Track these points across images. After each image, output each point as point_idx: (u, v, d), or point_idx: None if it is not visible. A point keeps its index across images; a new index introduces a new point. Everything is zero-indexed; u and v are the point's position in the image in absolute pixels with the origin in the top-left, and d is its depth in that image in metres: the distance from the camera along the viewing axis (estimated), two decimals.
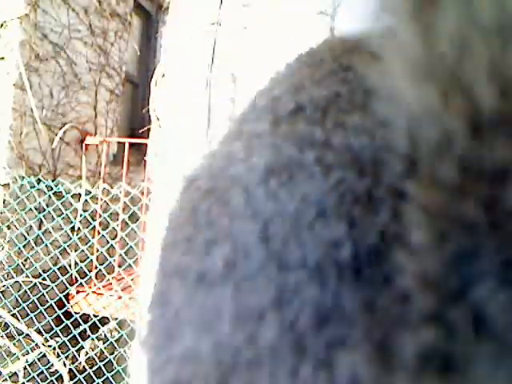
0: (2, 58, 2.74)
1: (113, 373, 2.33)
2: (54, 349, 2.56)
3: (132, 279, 2.42)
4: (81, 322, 2.54)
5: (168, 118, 1.63)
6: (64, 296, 2.61)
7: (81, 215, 2.69)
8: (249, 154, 0.18)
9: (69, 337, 2.52)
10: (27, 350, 2.59)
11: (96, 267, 2.59)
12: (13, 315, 2.58)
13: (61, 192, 2.59)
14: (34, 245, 2.64)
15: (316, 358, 0.13)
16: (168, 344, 0.16)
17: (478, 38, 0.12)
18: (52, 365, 2.55)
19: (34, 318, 2.54)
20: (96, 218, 2.69)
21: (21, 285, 2.61)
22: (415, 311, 0.13)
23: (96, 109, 3.48)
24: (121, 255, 2.51)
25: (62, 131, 3.03)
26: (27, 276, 2.61)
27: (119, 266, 2.54)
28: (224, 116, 1.56)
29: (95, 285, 2.64)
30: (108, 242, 2.53)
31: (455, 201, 0.12)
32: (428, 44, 0.13)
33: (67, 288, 2.61)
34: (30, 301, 2.57)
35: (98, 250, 2.58)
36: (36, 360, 2.57)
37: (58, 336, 2.53)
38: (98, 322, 2.53)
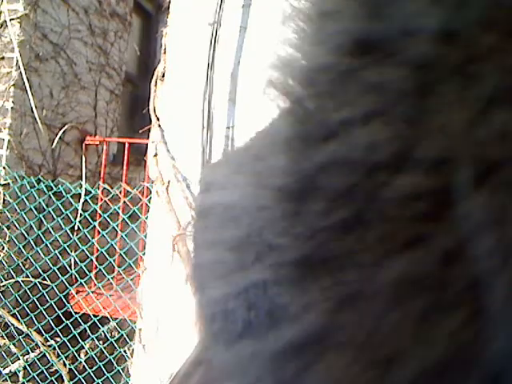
0: (2, 58, 2.74)
1: (113, 373, 2.33)
2: (54, 349, 2.56)
3: (132, 279, 2.41)
4: (81, 322, 2.55)
5: (168, 118, 1.63)
6: (64, 296, 2.61)
7: (81, 215, 2.69)
8: None
9: (69, 337, 2.52)
10: (27, 350, 2.59)
11: (96, 267, 2.59)
12: (13, 315, 2.58)
13: (61, 192, 2.59)
14: (33, 245, 2.64)
15: None
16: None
17: None
18: (52, 365, 2.55)
19: (33, 318, 2.54)
20: (96, 218, 2.69)
21: (21, 285, 2.62)
22: None
23: (96, 109, 3.49)
24: (121, 255, 2.51)
25: (62, 131, 3.03)
26: (27, 276, 2.61)
27: (119, 266, 2.54)
28: (223, 116, 1.56)
29: (95, 285, 2.64)
30: (108, 242, 2.53)
31: None
32: None
33: (67, 288, 2.61)
34: (30, 301, 2.58)
35: (97, 250, 2.58)
36: (36, 360, 2.57)
37: (58, 336, 2.53)
38: (97, 322, 2.53)
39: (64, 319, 2.55)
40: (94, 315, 2.58)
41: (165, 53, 1.64)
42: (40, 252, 2.61)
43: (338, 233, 0.12)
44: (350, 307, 0.12)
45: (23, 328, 2.56)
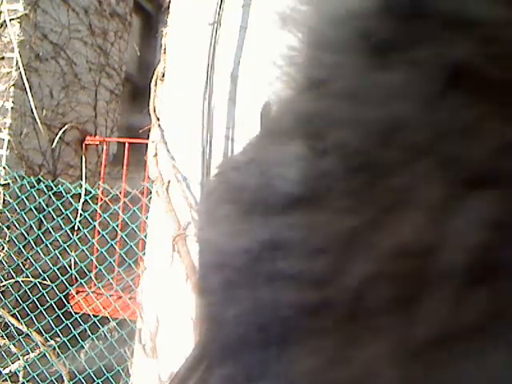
0: (2, 58, 2.74)
1: (113, 373, 2.33)
2: (54, 349, 2.56)
3: (132, 279, 2.41)
4: (81, 322, 2.54)
5: (168, 118, 1.63)
6: (64, 296, 2.61)
7: (81, 215, 2.69)
8: None
9: (69, 337, 2.52)
10: (27, 350, 2.59)
11: (96, 267, 2.59)
12: (13, 315, 2.58)
13: (61, 192, 2.59)
14: (33, 245, 2.64)
15: None
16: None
17: None
18: (52, 365, 2.55)
19: (34, 317, 2.54)
20: (96, 218, 2.69)
21: (21, 285, 2.61)
22: None
23: (96, 109, 3.49)
24: (121, 255, 2.51)
25: (62, 131, 3.03)
26: (27, 276, 2.61)
27: (119, 266, 2.54)
28: (223, 116, 1.56)
29: (95, 285, 2.64)
30: (108, 242, 2.53)
31: None
32: None
33: (67, 288, 2.61)
34: (30, 301, 2.57)
35: (97, 250, 2.58)
36: (36, 360, 2.57)
37: (58, 336, 2.53)
38: (97, 322, 2.53)
39: (64, 319, 2.54)
40: (93, 315, 2.58)
41: (165, 53, 1.63)
42: (40, 252, 2.60)
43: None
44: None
45: (23, 328, 2.56)
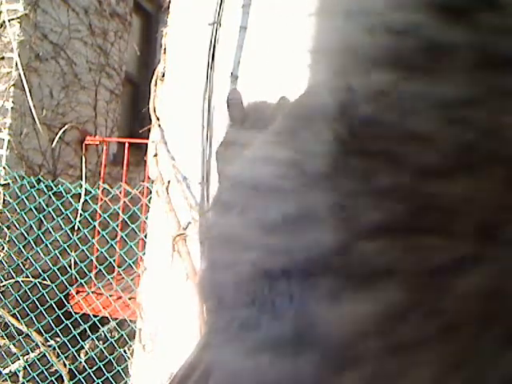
0: (2, 58, 2.74)
1: (113, 373, 2.33)
2: (54, 349, 2.56)
3: (132, 279, 2.41)
4: (81, 322, 2.54)
5: (168, 118, 1.63)
6: (64, 296, 2.61)
7: (81, 215, 2.69)
8: None
9: (69, 337, 2.52)
10: (27, 350, 2.59)
11: (96, 267, 2.59)
12: (13, 315, 2.58)
13: (61, 192, 2.59)
14: (33, 245, 2.64)
15: None
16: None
17: None
18: (52, 365, 2.55)
19: (34, 317, 2.54)
20: (96, 218, 2.69)
21: (21, 285, 2.61)
22: None
23: (96, 109, 3.49)
24: (121, 255, 2.51)
25: (61, 131, 3.03)
26: (27, 276, 2.61)
27: (119, 266, 2.54)
28: (223, 116, 1.56)
29: (95, 285, 2.64)
30: (108, 242, 2.53)
31: None
32: None
33: (67, 288, 2.61)
34: (30, 301, 2.57)
35: (97, 250, 2.58)
36: (36, 360, 2.57)
37: (58, 336, 2.53)
38: (97, 322, 2.53)
39: (64, 319, 2.54)
40: (94, 315, 2.58)
41: (165, 53, 1.63)
42: (40, 252, 2.60)
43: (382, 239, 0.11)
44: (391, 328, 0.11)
45: (23, 328, 2.56)
